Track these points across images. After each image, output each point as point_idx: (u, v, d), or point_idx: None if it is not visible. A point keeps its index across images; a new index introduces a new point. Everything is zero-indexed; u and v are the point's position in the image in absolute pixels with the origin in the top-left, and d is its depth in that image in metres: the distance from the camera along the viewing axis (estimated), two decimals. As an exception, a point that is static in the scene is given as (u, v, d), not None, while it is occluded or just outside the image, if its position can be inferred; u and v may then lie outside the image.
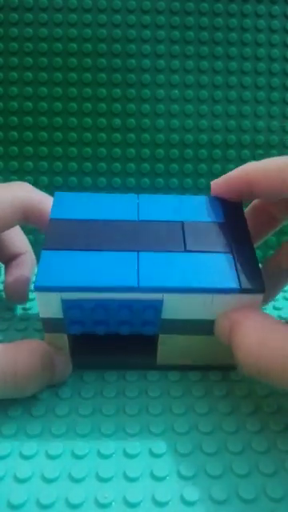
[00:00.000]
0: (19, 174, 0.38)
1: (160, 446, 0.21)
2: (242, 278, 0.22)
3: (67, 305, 0.22)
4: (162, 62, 0.37)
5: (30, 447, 0.21)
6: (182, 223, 0.25)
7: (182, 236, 0.24)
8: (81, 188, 0.38)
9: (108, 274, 0.22)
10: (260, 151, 0.38)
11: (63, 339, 0.24)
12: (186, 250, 0.23)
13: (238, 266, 0.22)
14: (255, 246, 0.25)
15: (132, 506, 0.19)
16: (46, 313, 0.22)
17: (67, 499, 0.19)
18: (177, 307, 0.22)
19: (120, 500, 0.19)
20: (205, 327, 0.23)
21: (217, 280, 0.22)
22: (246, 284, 0.21)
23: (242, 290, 0.21)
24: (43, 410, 0.23)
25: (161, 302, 0.22)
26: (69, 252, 0.23)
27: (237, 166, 0.39)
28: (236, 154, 0.38)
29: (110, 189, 0.38)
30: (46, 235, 0.24)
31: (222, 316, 0.22)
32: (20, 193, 0.27)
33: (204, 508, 0.19)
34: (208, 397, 0.24)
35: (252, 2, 0.37)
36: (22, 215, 0.26)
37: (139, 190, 0.38)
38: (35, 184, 0.35)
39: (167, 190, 0.38)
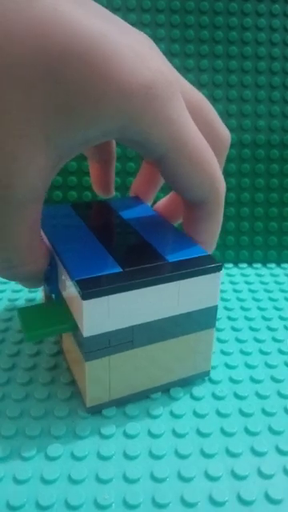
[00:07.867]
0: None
1: (160, 447, 0.21)
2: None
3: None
4: (162, 61, 0.37)
5: (29, 449, 0.21)
6: None
7: None
8: (80, 187, 0.38)
9: None
10: (260, 150, 0.38)
11: None
12: None
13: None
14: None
15: (132, 507, 0.19)
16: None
17: (66, 500, 0.19)
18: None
19: (120, 501, 0.19)
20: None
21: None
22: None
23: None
24: (42, 412, 0.23)
25: None
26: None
27: (237, 165, 0.39)
28: (236, 154, 0.38)
29: (110, 188, 0.38)
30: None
31: None
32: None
33: (204, 510, 0.19)
34: (208, 398, 0.24)
35: (252, 0, 0.37)
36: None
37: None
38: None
39: (167, 190, 0.38)
